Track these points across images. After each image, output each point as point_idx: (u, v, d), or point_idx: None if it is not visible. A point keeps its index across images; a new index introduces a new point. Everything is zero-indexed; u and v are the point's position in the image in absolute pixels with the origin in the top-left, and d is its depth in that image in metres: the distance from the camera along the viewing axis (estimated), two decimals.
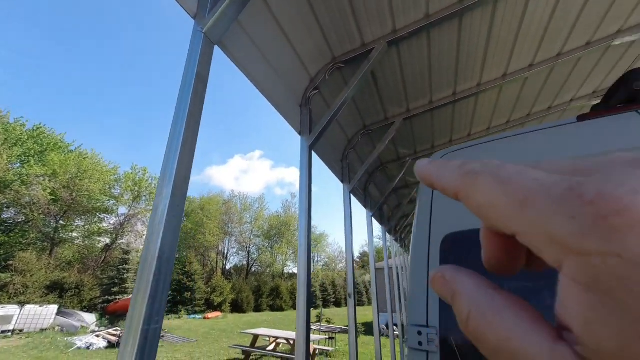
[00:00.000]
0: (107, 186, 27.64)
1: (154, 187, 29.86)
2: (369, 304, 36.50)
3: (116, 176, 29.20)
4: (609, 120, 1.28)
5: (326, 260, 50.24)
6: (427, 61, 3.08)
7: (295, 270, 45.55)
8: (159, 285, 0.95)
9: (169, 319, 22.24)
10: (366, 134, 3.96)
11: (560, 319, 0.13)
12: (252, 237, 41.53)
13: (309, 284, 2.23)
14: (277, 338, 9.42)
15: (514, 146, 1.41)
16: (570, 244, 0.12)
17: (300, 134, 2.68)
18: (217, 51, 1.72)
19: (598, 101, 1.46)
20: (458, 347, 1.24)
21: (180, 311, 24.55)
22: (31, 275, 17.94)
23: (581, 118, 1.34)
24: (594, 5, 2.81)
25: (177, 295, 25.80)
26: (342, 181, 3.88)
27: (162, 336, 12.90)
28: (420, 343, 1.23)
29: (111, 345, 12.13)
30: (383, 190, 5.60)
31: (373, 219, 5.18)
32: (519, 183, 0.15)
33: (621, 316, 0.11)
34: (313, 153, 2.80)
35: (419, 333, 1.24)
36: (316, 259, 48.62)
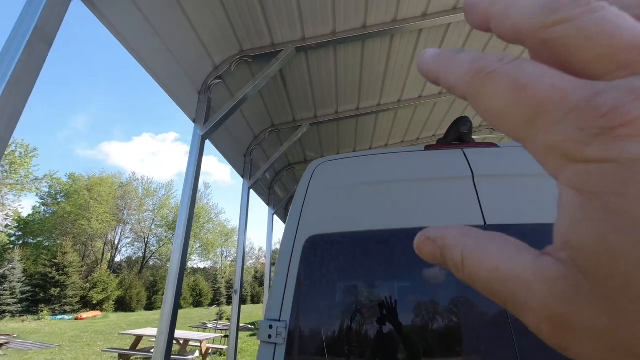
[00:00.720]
0: None
1: (20, 156, 23.64)
2: None
3: None
4: (444, 152, 1.61)
5: (235, 255, 48.51)
6: (333, 74, 3.29)
7: (201, 265, 42.59)
8: None
9: (22, 321, 17.95)
10: (274, 132, 3.99)
11: (554, 232, 0.14)
12: (152, 227, 37.01)
13: (181, 279, 2.12)
14: None
15: (379, 163, 1.64)
16: (572, 153, 0.13)
17: (194, 121, 2.53)
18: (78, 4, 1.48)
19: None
20: (302, 338, 1.36)
21: (42, 311, 20.11)
22: None
23: (427, 148, 1.65)
24: None
25: (40, 291, 21.07)
26: (242, 176, 3.81)
27: (7, 342, 10.29)
28: (269, 336, 1.31)
29: None
30: (290, 190, 5.73)
31: (275, 217, 5.25)
32: (535, 89, 0.14)
33: (603, 213, 0.12)
34: (209, 144, 2.67)
35: (270, 327, 1.32)
36: (225, 254, 46.51)
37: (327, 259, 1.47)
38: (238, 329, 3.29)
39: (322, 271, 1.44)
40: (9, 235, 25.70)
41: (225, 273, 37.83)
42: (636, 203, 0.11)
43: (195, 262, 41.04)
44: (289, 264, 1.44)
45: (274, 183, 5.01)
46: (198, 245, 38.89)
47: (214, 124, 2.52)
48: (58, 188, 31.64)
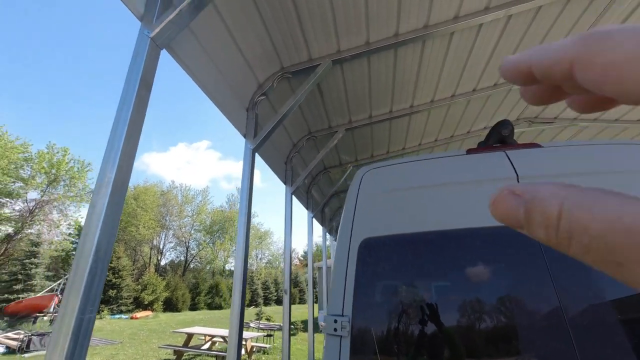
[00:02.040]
0: (13, 165, 23.51)
1: (77, 171, 26.28)
2: None
3: (26, 155, 24.98)
4: (487, 155, 1.69)
5: (270, 257, 49.85)
6: (367, 81, 3.43)
7: None
8: (94, 280, 1.03)
9: None
10: (311, 139, 4.20)
11: None
12: (192, 232, 39.23)
13: (245, 282, 2.38)
14: (212, 336, 9.20)
15: (423, 168, 1.76)
16: None
17: (245, 136, 2.80)
18: (162, 52, 1.77)
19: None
20: (362, 331, 1.52)
21: (102, 311, 22.16)
22: None
23: (469, 151, 1.75)
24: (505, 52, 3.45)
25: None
26: (284, 183, 4.07)
27: None
28: (335, 330, 1.48)
29: (11, 351, 10.50)
30: (325, 193, 5.93)
31: (314, 220, 5.47)
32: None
33: None
34: (257, 155, 2.94)
35: (335, 321, 1.49)
36: (259, 256, 47.97)
37: (381, 260, 1.61)
38: (290, 326, 3.53)
39: (378, 271, 1.58)
40: (72, 243, 28.60)
41: (260, 275, 39.05)
42: None
43: (232, 264, 42.84)
44: (347, 265, 1.60)
45: (312, 187, 5.24)
46: (234, 248, 40.56)
47: (262, 138, 2.78)
48: None
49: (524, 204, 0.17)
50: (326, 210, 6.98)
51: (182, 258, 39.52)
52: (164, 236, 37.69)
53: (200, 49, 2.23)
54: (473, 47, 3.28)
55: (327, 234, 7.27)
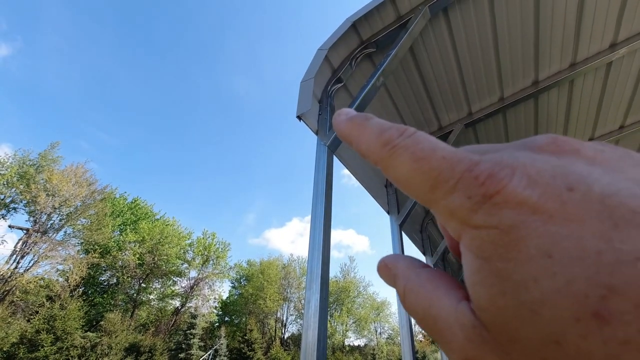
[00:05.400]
0: (182, 250, 30.45)
1: (221, 251, 31.90)
2: None
3: (190, 241, 32.22)
4: None
5: (390, 332, 44.93)
6: (504, 137, 3.19)
7: (356, 343, 41.30)
8: None
9: None
10: None
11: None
12: None
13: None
14: None
15: None
16: (466, 219, 0.14)
17: (388, 213, 2.88)
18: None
19: None
20: None
21: None
22: (115, 336, 19.48)
23: None
24: None
25: None
26: (423, 253, 3.83)
27: None
28: None
29: None
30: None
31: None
32: (430, 162, 0.16)
33: (493, 278, 0.13)
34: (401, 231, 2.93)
35: None
36: (379, 330, 43.88)
37: None
38: None
39: None
40: (217, 315, 33.18)
41: (382, 352, 35.03)
42: (516, 267, 0.12)
43: (352, 339, 40.31)
44: None
45: (447, 254, 4.75)
46: (352, 321, 38.65)
47: (405, 213, 2.80)
48: (241, 273, 39.79)
49: (393, 277, 0.19)
50: (448, 258, 6.07)
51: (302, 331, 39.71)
52: (286, 308, 39.58)
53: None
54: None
55: None
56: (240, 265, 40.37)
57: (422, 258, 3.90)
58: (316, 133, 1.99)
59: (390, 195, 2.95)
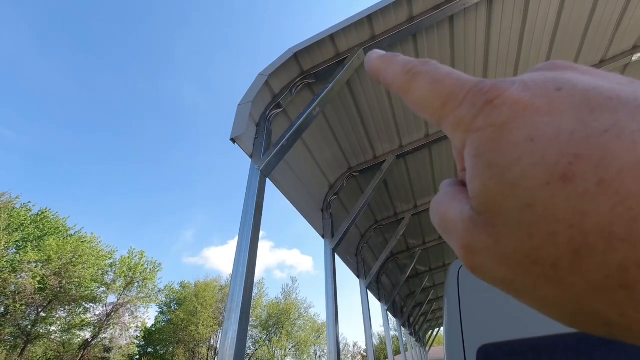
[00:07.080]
0: (100, 272, 26.43)
1: (149, 272, 28.52)
2: None
3: (111, 260, 28.18)
4: None
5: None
6: (430, 170, 3.55)
7: None
8: None
9: None
10: (378, 228, 4.21)
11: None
12: (248, 329, 37.53)
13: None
14: None
15: None
16: (469, 125, 0.16)
17: (323, 237, 2.92)
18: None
19: None
20: None
21: None
22: None
23: None
24: None
25: None
26: (357, 276, 3.94)
27: None
28: None
29: None
30: (395, 281, 5.54)
31: (388, 313, 5.00)
32: (446, 82, 0.18)
33: (485, 168, 0.15)
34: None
35: None
36: (318, 353, 43.05)
37: None
38: None
39: None
40: (138, 346, 29.02)
41: None
42: (504, 154, 0.15)
43: None
44: None
45: (381, 276, 4.97)
46: (291, 345, 37.27)
47: (339, 237, 2.87)
48: (172, 297, 35.90)
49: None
50: (397, 300, 6.39)
51: None
52: (220, 335, 36.53)
53: (287, 167, 2.59)
54: None
55: (401, 327, 6.46)
56: (172, 287, 36.46)
57: (357, 281, 4.00)
58: (250, 156, 1.96)
59: (326, 220, 3.01)
